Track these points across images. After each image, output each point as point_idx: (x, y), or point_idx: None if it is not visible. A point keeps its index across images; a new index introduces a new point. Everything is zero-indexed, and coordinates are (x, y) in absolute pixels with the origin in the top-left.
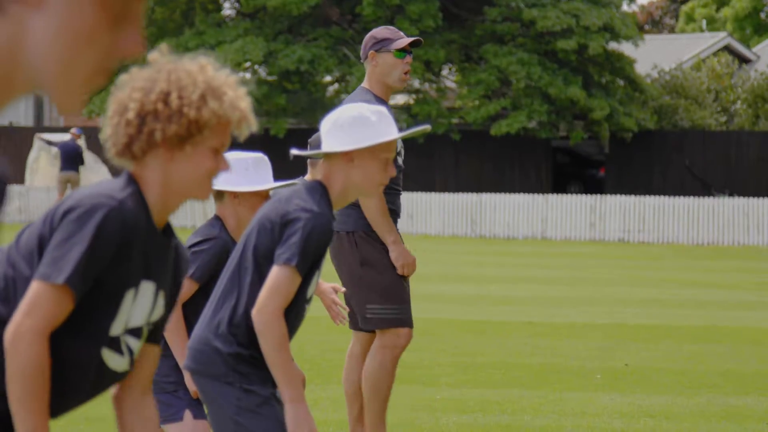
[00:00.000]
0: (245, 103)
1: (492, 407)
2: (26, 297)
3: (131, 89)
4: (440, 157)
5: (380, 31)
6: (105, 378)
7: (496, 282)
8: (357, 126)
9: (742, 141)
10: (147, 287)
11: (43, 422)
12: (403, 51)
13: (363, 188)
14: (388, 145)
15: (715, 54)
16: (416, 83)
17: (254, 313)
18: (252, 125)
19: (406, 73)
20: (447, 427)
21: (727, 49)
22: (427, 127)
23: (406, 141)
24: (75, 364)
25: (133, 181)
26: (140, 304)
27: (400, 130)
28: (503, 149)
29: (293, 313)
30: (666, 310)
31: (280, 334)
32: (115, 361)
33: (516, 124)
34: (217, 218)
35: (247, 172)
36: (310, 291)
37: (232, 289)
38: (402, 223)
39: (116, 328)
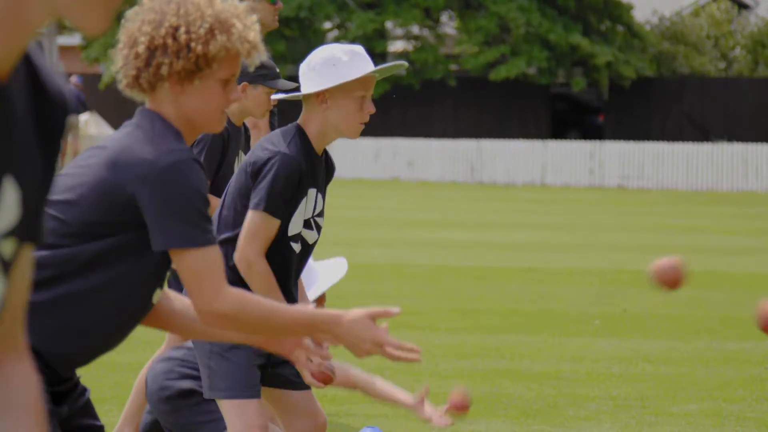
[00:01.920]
0: (254, 34)
1: (491, 353)
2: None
3: (141, 22)
4: (439, 104)
5: None
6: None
7: (495, 228)
8: (328, 66)
9: (741, 87)
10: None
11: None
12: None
13: (340, 128)
14: (362, 84)
15: (714, 0)
16: (415, 30)
17: (236, 260)
18: (262, 54)
19: (276, 15)
20: (446, 373)
21: None
22: (403, 63)
23: (395, 99)
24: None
25: (161, 120)
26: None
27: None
28: (502, 96)
29: (279, 253)
30: (664, 255)
31: (264, 277)
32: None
33: (515, 70)
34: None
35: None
36: (295, 228)
37: (219, 231)
38: (401, 169)
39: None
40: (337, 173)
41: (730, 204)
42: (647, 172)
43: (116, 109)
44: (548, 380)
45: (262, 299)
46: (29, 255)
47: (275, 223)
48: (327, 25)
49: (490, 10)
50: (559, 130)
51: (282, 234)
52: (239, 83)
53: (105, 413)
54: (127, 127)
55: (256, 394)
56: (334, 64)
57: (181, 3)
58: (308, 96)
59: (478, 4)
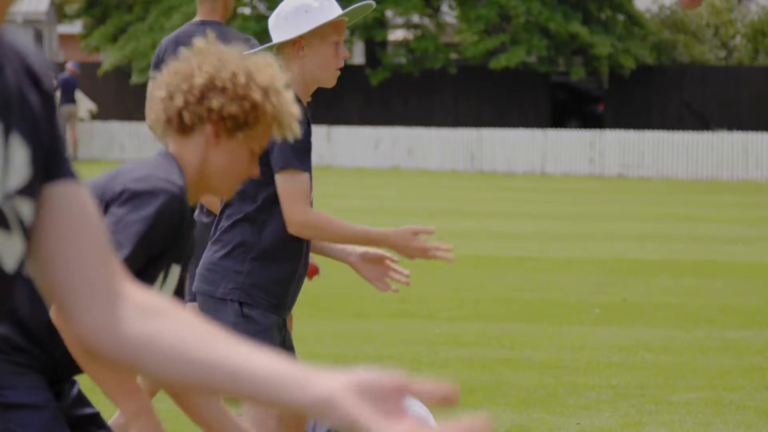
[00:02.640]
0: (297, 110)
1: (491, 341)
2: None
3: (200, 61)
4: (439, 92)
5: None
6: None
7: (495, 217)
8: (301, 13)
9: (742, 76)
10: (175, 269)
11: None
12: None
13: (319, 76)
14: (335, 27)
15: None
16: (415, 18)
17: (291, 232)
18: (296, 133)
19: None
20: (446, 361)
21: None
22: (371, 3)
23: (395, 88)
24: None
25: (175, 162)
26: (168, 286)
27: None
28: (502, 85)
29: None
30: (664, 244)
31: (324, 224)
32: None
33: (515, 58)
34: None
35: None
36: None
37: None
38: (401, 158)
39: None
40: (337, 162)
41: (730, 193)
42: (647, 161)
43: (116, 97)
44: (548, 369)
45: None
46: (77, 192)
47: (306, 177)
48: None
49: None
50: (559, 119)
51: None
52: None
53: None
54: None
55: None
56: (306, 11)
57: (243, 57)
58: (283, 47)
59: None
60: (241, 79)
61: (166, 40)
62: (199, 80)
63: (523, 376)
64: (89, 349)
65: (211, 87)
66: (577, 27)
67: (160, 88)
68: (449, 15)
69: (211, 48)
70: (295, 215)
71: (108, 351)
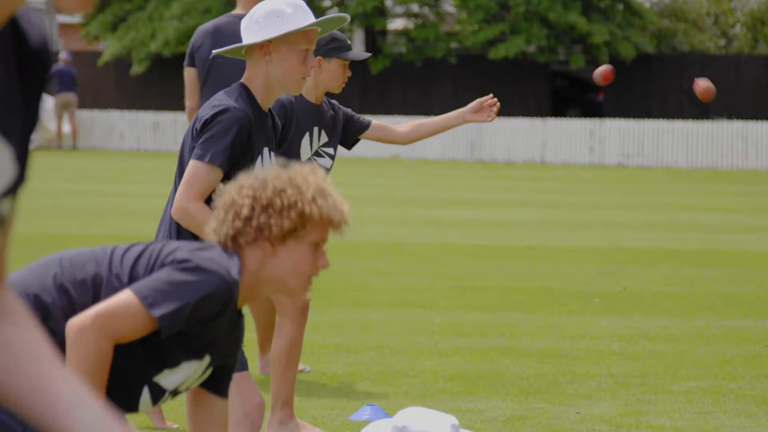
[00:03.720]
0: (347, 207)
1: (491, 330)
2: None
3: (240, 187)
4: (439, 81)
5: None
6: None
7: (495, 206)
8: (272, 18)
9: (741, 65)
10: (204, 361)
11: None
12: None
13: (284, 83)
14: (305, 36)
15: None
16: (415, 8)
17: (172, 214)
18: (351, 229)
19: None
20: (446, 351)
21: None
22: (345, 16)
23: (395, 77)
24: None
25: (237, 260)
26: (189, 379)
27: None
28: (502, 74)
29: None
30: (664, 233)
31: (200, 214)
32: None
33: (514, 48)
34: None
35: None
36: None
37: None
38: (401, 147)
39: (164, 382)
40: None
41: (730, 182)
42: (647, 150)
43: (116, 86)
44: (548, 358)
45: None
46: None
47: (216, 174)
48: (327, 2)
49: None
50: (558, 108)
51: None
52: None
53: None
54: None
55: (247, 367)
56: (278, 16)
57: (283, 173)
58: (251, 50)
59: None
60: (288, 191)
61: (202, 30)
62: (245, 209)
63: (523, 365)
64: None
65: (256, 208)
66: (576, 16)
67: (211, 220)
68: (449, 4)
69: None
70: (180, 200)
71: None
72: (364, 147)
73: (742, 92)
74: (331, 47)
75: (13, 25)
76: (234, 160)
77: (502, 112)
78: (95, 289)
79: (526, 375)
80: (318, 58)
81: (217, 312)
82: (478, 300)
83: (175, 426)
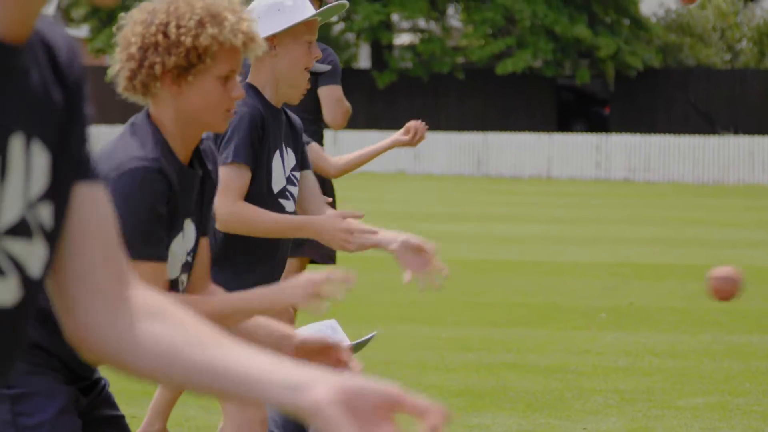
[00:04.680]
0: (247, 25)
1: (497, 346)
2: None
3: (133, 23)
4: (445, 96)
5: None
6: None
7: (501, 221)
8: (273, 12)
9: (747, 79)
10: (188, 225)
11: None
12: None
13: (290, 76)
14: (308, 27)
15: None
16: (421, 22)
17: (218, 225)
18: (260, 46)
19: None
20: (452, 366)
21: None
22: (344, 3)
23: (402, 91)
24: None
25: (146, 127)
26: (186, 240)
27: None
28: (508, 88)
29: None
30: (670, 248)
31: (248, 214)
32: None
33: (521, 63)
34: None
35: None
36: (278, 184)
37: None
38: (407, 162)
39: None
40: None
41: (736, 196)
42: (654, 165)
43: (122, 101)
44: (554, 374)
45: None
46: (96, 193)
47: (244, 171)
48: (332, 18)
49: (496, 2)
50: (565, 122)
51: (268, 191)
52: None
53: (134, 406)
54: (123, 130)
55: None
56: (279, 9)
57: (173, 0)
58: None
59: None
60: (171, 25)
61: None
62: (134, 47)
63: (529, 381)
64: (86, 350)
65: (145, 48)
66: (582, 30)
67: (114, 63)
68: (455, 18)
69: (145, 3)
70: (221, 208)
71: (104, 353)
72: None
73: (749, 107)
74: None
75: (39, 36)
76: (256, 155)
77: (508, 126)
78: None
79: (533, 390)
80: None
81: (162, 192)
82: (484, 315)
83: None
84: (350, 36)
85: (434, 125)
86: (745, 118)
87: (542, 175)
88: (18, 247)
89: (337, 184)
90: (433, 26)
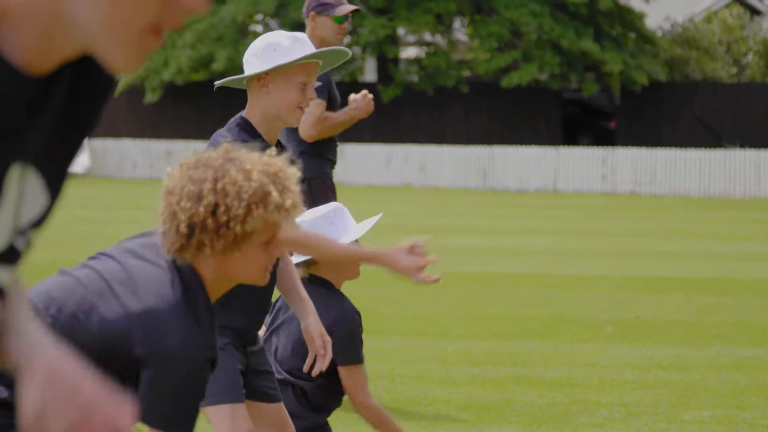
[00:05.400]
0: (291, 199)
1: (503, 359)
2: None
3: (180, 195)
4: (451, 109)
5: None
6: None
7: (507, 234)
8: (269, 51)
9: (754, 93)
10: None
11: None
12: (341, 17)
13: (281, 113)
14: (302, 69)
15: (726, 6)
16: (427, 36)
17: None
18: (301, 212)
19: (340, 35)
20: (458, 379)
21: (739, 1)
22: (346, 51)
23: (407, 104)
24: None
25: (194, 284)
26: None
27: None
28: (514, 102)
29: None
30: (677, 261)
31: (305, 236)
32: None
33: (527, 76)
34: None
35: (332, 226)
36: None
37: None
38: (413, 176)
39: None
40: (348, 179)
41: (742, 210)
42: (660, 178)
43: (129, 115)
44: (560, 387)
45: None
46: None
47: None
48: None
49: (502, 16)
50: (571, 136)
51: None
52: (307, 15)
53: None
54: (163, 266)
55: (242, 398)
56: (274, 49)
57: (219, 176)
58: (251, 82)
59: (490, 9)
60: (220, 210)
61: None
62: (183, 224)
63: (535, 394)
64: None
65: (192, 225)
66: (588, 44)
67: (160, 223)
68: (461, 32)
69: (190, 165)
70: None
71: None
72: (375, 175)
73: (755, 120)
74: (321, 3)
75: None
76: None
77: (514, 140)
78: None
79: (539, 404)
80: (312, 13)
81: (208, 371)
82: (490, 328)
83: None
84: (356, 49)
85: (440, 139)
86: (751, 131)
87: (548, 189)
88: (2, 274)
89: (342, 197)
90: (439, 40)
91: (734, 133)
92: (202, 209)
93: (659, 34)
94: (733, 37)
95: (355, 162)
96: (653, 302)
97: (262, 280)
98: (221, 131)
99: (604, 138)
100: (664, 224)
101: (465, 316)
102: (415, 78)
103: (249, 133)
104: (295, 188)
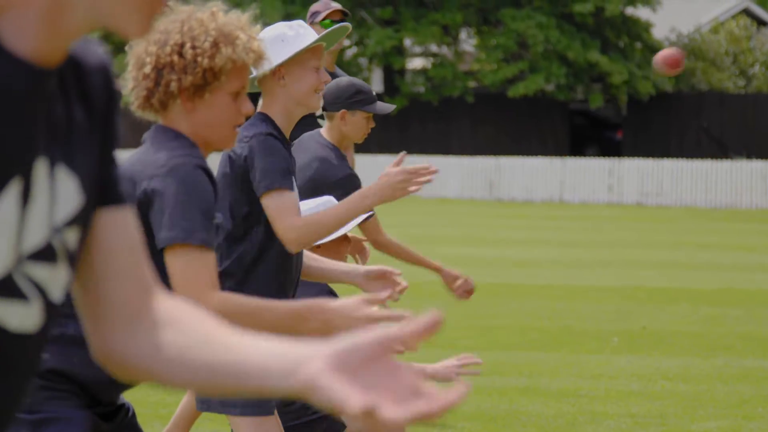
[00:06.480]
0: (258, 44)
1: (509, 370)
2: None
3: (146, 43)
4: (457, 120)
5: (314, 5)
6: None
7: (513, 245)
8: (277, 43)
9: (760, 104)
10: None
11: None
12: (331, 21)
13: (302, 100)
14: (313, 53)
15: (733, 17)
16: (433, 47)
17: (289, 248)
18: (268, 63)
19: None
20: None
21: (746, 12)
22: (346, 25)
23: (414, 115)
24: None
25: (165, 129)
26: None
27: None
28: (520, 112)
29: (277, 247)
30: (683, 272)
31: (314, 225)
32: None
33: (533, 86)
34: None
35: None
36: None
37: None
38: None
39: None
40: None
41: (749, 221)
42: (666, 189)
43: (131, 127)
44: (567, 398)
45: (245, 300)
46: (123, 217)
47: (291, 194)
48: (345, 42)
49: (508, 27)
50: (577, 146)
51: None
52: (338, 111)
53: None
54: (142, 146)
55: (273, 410)
56: (282, 40)
57: (185, 20)
58: (264, 79)
59: (496, 21)
60: (186, 46)
61: None
62: (148, 66)
63: (542, 405)
64: (114, 367)
65: (160, 67)
66: (595, 55)
67: (127, 81)
68: (467, 43)
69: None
70: (288, 231)
71: (129, 368)
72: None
73: (761, 131)
74: (355, 100)
75: (72, 56)
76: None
77: (521, 151)
78: None
79: (545, 414)
80: (343, 110)
81: (207, 181)
82: (496, 339)
83: None
84: (363, 61)
85: (446, 149)
86: (758, 142)
87: (554, 199)
88: (42, 272)
89: None
90: (445, 51)
91: (741, 144)
92: (168, 49)
93: (666, 44)
94: (739, 48)
95: (362, 173)
96: (660, 313)
97: (231, 140)
98: (243, 128)
99: (610, 149)
100: (671, 235)
101: (471, 326)
102: (421, 89)
103: (271, 125)
104: (260, 41)
